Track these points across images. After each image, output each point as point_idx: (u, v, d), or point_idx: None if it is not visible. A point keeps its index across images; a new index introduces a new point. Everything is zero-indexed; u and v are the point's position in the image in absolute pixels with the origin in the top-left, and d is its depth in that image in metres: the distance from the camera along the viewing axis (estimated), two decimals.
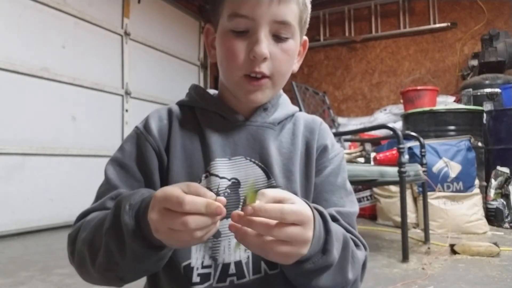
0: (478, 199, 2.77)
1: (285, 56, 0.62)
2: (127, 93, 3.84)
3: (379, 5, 4.91)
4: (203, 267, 0.61)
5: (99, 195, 0.63)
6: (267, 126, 0.68)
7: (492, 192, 2.95)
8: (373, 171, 2.04)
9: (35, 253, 2.33)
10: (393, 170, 2.02)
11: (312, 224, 0.49)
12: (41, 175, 3.00)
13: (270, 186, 0.64)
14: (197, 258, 0.61)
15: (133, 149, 0.65)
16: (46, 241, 2.65)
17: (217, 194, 0.62)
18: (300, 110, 0.76)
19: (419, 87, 3.80)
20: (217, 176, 0.63)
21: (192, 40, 4.93)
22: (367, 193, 3.41)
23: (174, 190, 0.45)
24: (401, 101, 3.93)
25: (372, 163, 2.81)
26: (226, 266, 0.62)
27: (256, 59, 0.59)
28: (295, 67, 0.70)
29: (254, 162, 0.65)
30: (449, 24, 4.53)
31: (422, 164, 2.34)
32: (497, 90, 3.52)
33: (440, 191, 2.76)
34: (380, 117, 4.20)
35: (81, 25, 3.39)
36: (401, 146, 1.99)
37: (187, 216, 0.44)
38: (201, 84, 5.00)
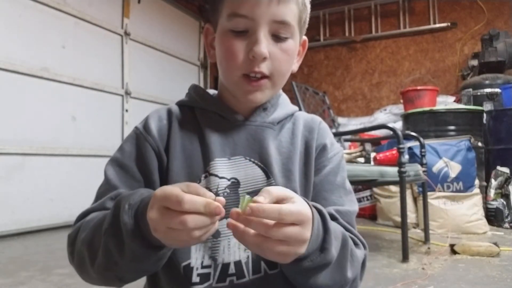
0: (478, 199, 2.77)
1: (284, 56, 0.62)
2: (127, 93, 3.84)
3: (379, 5, 4.91)
4: (202, 267, 0.61)
5: (99, 196, 0.63)
6: (267, 125, 0.68)
7: (492, 192, 2.95)
8: (373, 171, 2.04)
9: (35, 253, 2.33)
10: (393, 170, 2.02)
11: (311, 224, 0.49)
12: (41, 175, 3.00)
13: (270, 185, 0.64)
14: (196, 258, 0.61)
15: (133, 149, 0.65)
16: (46, 241, 2.65)
17: (217, 194, 0.62)
18: (300, 110, 0.76)
19: (419, 87, 3.80)
20: (216, 176, 0.63)
21: (192, 40, 4.93)
22: (367, 193, 3.41)
23: (173, 189, 0.45)
24: (401, 101, 3.93)
25: (372, 163, 2.81)
26: (225, 266, 0.62)
27: (256, 59, 0.59)
28: (295, 67, 0.70)
29: (253, 162, 0.65)
30: (449, 24, 4.53)
31: (422, 164, 2.34)
32: (497, 90, 3.52)
33: (440, 191, 2.76)
34: (380, 117, 4.20)
35: (81, 25, 3.39)
36: (401, 146, 1.99)
37: (186, 215, 0.44)
38: (201, 84, 5.00)
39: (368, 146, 3.05)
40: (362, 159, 3.05)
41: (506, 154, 3.19)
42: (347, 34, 5.04)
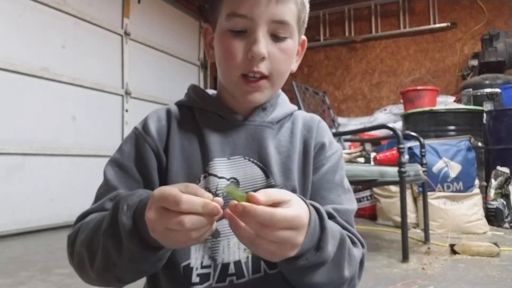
0: (478, 199, 2.77)
1: (283, 56, 0.62)
2: (127, 93, 3.84)
3: (379, 5, 4.91)
4: (202, 267, 0.61)
5: (98, 196, 0.64)
6: (266, 125, 0.68)
7: (492, 192, 2.95)
8: (373, 171, 2.04)
9: (35, 253, 2.33)
10: (393, 170, 2.02)
11: (305, 229, 0.48)
12: (41, 175, 3.00)
13: (269, 185, 0.64)
14: (196, 258, 0.61)
15: (132, 150, 0.65)
16: (46, 241, 2.65)
17: (216, 194, 0.62)
18: (300, 109, 0.76)
19: (419, 87, 3.80)
20: (215, 176, 0.63)
21: (192, 40, 4.93)
22: (367, 193, 3.41)
23: (171, 189, 0.45)
24: (401, 101, 3.93)
25: (372, 163, 2.81)
26: (225, 266, 0.62)
27: (254, 58, 0.59)
28: (294, 66, 0.69)
29: (252, 162, 0.65)
30: (449, 24, 4.53)
31: (422, 164, 2.34)
32: (497, 90, 3.52)
33: (440, 191, 2.76)
34: (380, 117, 4.20)
35: (81, 25, 3.39)
36: (401, 146, 1.99)
37: (184, 216, 0.44)
38: (201, 84, 5.00)
39: (368, 146, 3.05)
40: (362, 159, 3.05)
41: (506, 154, 3.19)
42: (347, 34, 5.04)
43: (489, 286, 1.60)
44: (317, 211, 0.53)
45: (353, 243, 0.62)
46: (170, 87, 4.41)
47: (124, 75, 3.84)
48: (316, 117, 0.74)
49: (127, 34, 3.87)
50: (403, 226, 1.96)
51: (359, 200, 3.41)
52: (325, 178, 0.67)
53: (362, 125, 4.17)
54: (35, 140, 2.98)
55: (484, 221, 2.75)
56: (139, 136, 0.65)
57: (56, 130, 3.14)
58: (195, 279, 0.61)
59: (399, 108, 4.06)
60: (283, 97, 0.74)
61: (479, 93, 3.58)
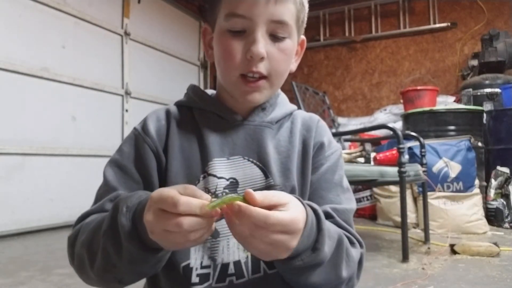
0: (478, 199, 2.77)
1: (282, 56, 0.62)
2: (127, 93, 3.84)
3: (379, 5, 4.91)
4: (202, 267, 0.61)
5: (98, 197, 0.64)
6: (265, 125, 0.68)
7: (492, 192, 2.95)
8: (373, 171, 2.04)
9: (35, 253, 2.33)
10: (393, 170, 2.02)
11: (300, 234, 0.48)
12: (41, 175, 3.01)
13: (268, 185, 0.64)
14: (196, 259, 0.61)
15: (131, 150, 0.65)
16: (46, 241, 2.65)
17: (215, 194, 0.62)
18: (299, 109, 0.76)
19: (419, 87, 3.80)
20: (215, 176, 0.63)
21: (192, 40, 4.93)
22: (367, 193, 3.41)
23: (170, 191, 0.45)
24: (401, 101, 3.93)
25: (372, 163, 2.81)
26: (225, 266, 0.62)
27: (253, 59, 0.59)
28: (293, 66, 0.69)
29: (252, 162, 0.65)
30: (449, 24, 4.52)
31: (422, 164, 2.34)
32: (497, 90, 3.52)
33: (440, 191, 2.76)
34: (380, 117, 4.20)
35: (81, 25, 3.39)
36: (401, 146, 1.99)
37: (181, 218, 0.44)
38: (201, 84, 5.01)
39: (368, 146, 3.05)
40: (362, 159, 3.05)
41: (506, 154, 3.19)
42: (347, 34, 5.04)
43: (489, 286, 1.60)
44: (315, 212, 0.53)
45: (352, 243, 0.62)
46: (170, 87, 4.41)
47: (124, 75, 3.84)
48: (315, 117, 0.74)
49: (127, 34, 3.87)
50: (403, 226, 1.96)
51: (359, 200, 3.41)
52: (324, 177, 0.67)
53: (362, 125, 4.17)
54: (35, 140, 2.98)
55: (484, 221, 2.75)
56: (139, 136, 0.65)
57: (56, 130, 3.14)
58: (194, 279, 0.61)
59: (399, 108, 4.06)
60: (282, 97, 0.74)
61: (479, 93, 3.58)
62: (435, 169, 2.79)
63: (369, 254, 2.11)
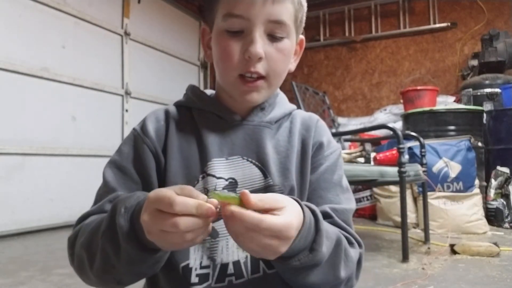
0: (478, 199, 2.77)
1: (280, 56, 0.62)
2: (127, 93, 3.85)
3: (379, 5, 4.91)
4: (201, 267, 0.61)
5: (98, 198, 0.64)
6: (264, 125, 0.68)
7: (492, 192, 2.95)
8: (373, 171, 2.04)
9: (35, 253, 2.33)
10: (393, 170, 2.02)
11: (291, 241, 0.48)
12: (41, 175, 3.01)
13: (267, 185, 0.64)
14: (195, 259, 0.61)
15: (131, 151, 0.65)
16: (46, 241, 2.65)
17: None
18: (299, 109, 0.76)
19: (419, 87, 3.80)
20: (214, 176, 0.63)
21: (192, 40, 4.93)
22: (367, 193, 3.41)
23: (166, 191, 0.45)
24: (401, 101, 3.93)
25: (372, 163, 2.81)
26: (224, 266, 0.62)
27: (251, 59, 0.59)
28: (292, 66, 0.69)
29: (251, 162, 0.65)
30: (449, 24, 4.52)
31: (422, 164, 2.34)
32: (497, 90, 3.52)
33: (440, 191, 2.75)
34: (380, 117, 4.20)
35: (81, 25, 3.39)
36: (401, 146, 1.99)
37: (178, 218, 0.44)
38: (201, 84, 5.01)
39: (368, 146, 3.05)
40: (362, 159, 3.05)
41: (506, 154, 3.19)
42: (347, 34, 5.04)
43: (489, 286, 1.60)
44: (313, 213, 0.53)
45: (350, 243, 0.62)
46: (170, 87, 4.41)
47: (124, 75, 3.84)
48: (315, 116, 0.74)
49: (127, 34, 3.87)
50: (403, 226, 1.96)
51: (359, 200, 3.41)
52: (323, 177, 0.67)
53: (362, 125, 4.17)
54: (35, 140, 2.98)
55: (484, 221, 2.75)
56: (138, 137, 0.65)
57: (56, 130, 3.14)
58: (194, 279, 0.61)
59: (399, 108, 4.06)
60: (282, 97, 0.73)
61: (479, 93, 3.58)
62: (435, 169, 2.79)
63: (369, 254, 2.11)
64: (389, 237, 2.67)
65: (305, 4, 0.66)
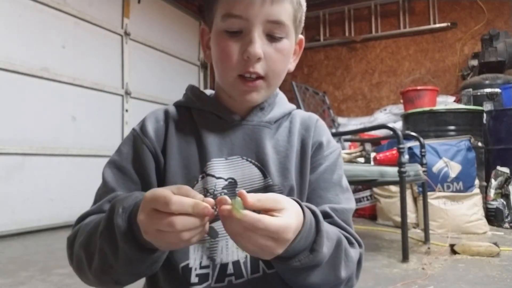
0: (478, 199, 2.77)
1: (279, 56, 0.62)
2: (127, 93, 3.85)
3: (379, 5, 4.90)
4: (201, 267, 0.61)
5: (97, 198, 0.64)
6: (264, 125, 0.68)
7: (492, 192, 2.95)
8: (373, 171, 2.04)
9: (35, 253, 2.33)
10: (393, 170, 2.02)
11: (287, 243, 0.48)
12: (41, 175, 3.01)
13: (267, 185, 0.64)
14: (195, 259, 0.61)
15: (130, 151, 0.65)
16: (46, 241, 2.65)
17: (214, 194, 0.62)
18: (299, 108, 0.76)
19: (419, 87, 3.80)
20: (213, 176, 0.63)
21: (192, 40, 4.93)
22: (367, 193, 3.41)
23: (163, 191, 0.45)
24: (401, 101, 3.93)
25: (372, 163, 2.81)
26: (224, 266, 0.62)
27: (250, 59, 0.59)
28: (291, 66, 0.69)
29: (250, 162, 0.65)
30: (449, 24, 4.52)
31: (422, 164, 2.34)
32: (497, 90, 3.52)
33: (440, 191, 2.75)
34: (380, 117, 4.20)
35: (81, 25, 3.39)
36: (401, 146, 1.99)
37: (174, 217, 0.44)
38: (201, 84, 5.01)
39: (368, 146, 3.05)
40: (362, 159, 3.05)
41: (506, 154, 3.19)
42: (347, 34, 5.04)
43: (489, 286, 1.60)
44: (313, 213, 0.53)
45: (350, 243, 0.62)
46: (170, 87, 4.41)
47: (124, 75, 3.84)
48: (314, 116, 0.74)
49: (127, 34, 3.87)
50: (403, 226, 1.96)
51: (359, 200, 3.41)
52: (323, 177, 0.67)
53: (362, 125, 4.17)
54: (35, 140, 2.98)
55: (484, 221, 2.75)
56: (137, 137, 0.65)
57: (56, 130, 3.14)
58: (194, 279, 0.61)
59: (399, 108, 4.06)
60: (281, 97, 0.73)
61: (479, 93, 3.58)
62: (435, 169, 2.79)
63: (369, 254, 2.11)
64: (389, 237, 2.67)
65: (304, 4, 0.66)
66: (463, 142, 2.86)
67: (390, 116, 4.14)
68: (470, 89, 3.64)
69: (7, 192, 2.78)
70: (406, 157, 2.06)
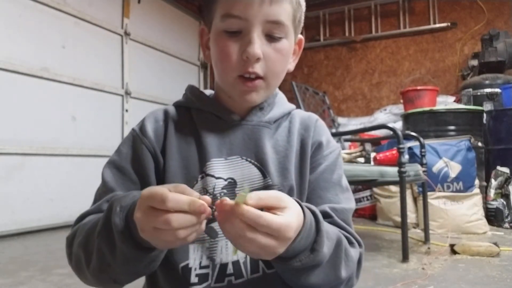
0: (478, 199, 2.76)
1: (278, 56, 0.62)
2: (127, 93, 3.85)
3: (379, 5, 4.90)
4: (201, 267, 0.61)
5: (97, 198, 0.64)
6: (263, 125, 0.68)
7: (492, 192, 2.95)
8: (373, 171, 2.04)
9: (35, 253, 2.33)
10: (393, 170, 2.02)
11: (288, 242, 0.47)
12: (41, 175, 3.01)
13: (266, 185, 0.64)
14: (195, 259, 0.61)
15: (129, 151, 0.65)
16: (46, 241, 2.65)
17: (214, 194, 0.62)
18: (299, 108, 0.76)
19: (419, 87, 3.80)
20: (213, 176, 0.63)
21: (192, 40, 4.93)
22: (367, 193, 3.41)
23: (159, 188, 0.45)
24: (401, 101, 3.93)
25: (372, 163, 2.81)
26: (224, 266, 0.62)
27: (249, 59, 0.59)
28: (291, 66, 0.69)
29: (250, 162, 0.65)
30: (449, 24, 4.52)
31: (422, 164, 2.34)
32: (497, 90, 3.52)
33: (440, 191, 2.75)
34: (380, 117, 4.20)
35: (81, 25, 3.39)
36: (401, 146, 1.99)
37: (170, 214, 0.43)
38: (201, 84, 5.01)
39: (368, 146, 3.04)
40: (362, 159, 3.05)
41: (506, 154, 3.19)
42: (347, 34, 5.04)
43: (489, 286, 1.60)
44: (313, 213, 0.53)
45: (350, 243, 0.62)
46: (170, 87, 4.41)
47: (124, 75, 3.84)
48: (314, 116, 0.74)
49: (127, 34, 3.87)
50: (403, 226, 1.96)
51: (359, 200, 3.41)
52: (323, 177, 0.67)
53: (362, 125, 4.16)
54: (35, 140, 2.98)
55: (484, 221, 2.75)
56: (136, 137, 0.65)
57: (56, 130, 3.14)
58: (193, 279, 0.61)
59: (399, 108, 4.06)
60: (281, 97, 0.73)
61: (479, 93, 3.58)
62: (435, 169, 2.79)
63: (369, 254, 2.11)
64: (389, 237, 2.67)
65: (303, 4, 0.66)
66: (463, 142, 2.86)
67: (390, 116, 4.14)
68: (470, 89, 3.64)
69: (7, 192, 2.78)
70: (406, 157, 2.06)
